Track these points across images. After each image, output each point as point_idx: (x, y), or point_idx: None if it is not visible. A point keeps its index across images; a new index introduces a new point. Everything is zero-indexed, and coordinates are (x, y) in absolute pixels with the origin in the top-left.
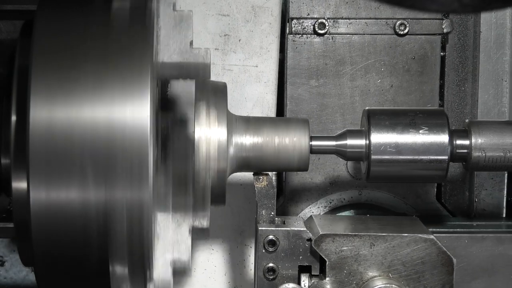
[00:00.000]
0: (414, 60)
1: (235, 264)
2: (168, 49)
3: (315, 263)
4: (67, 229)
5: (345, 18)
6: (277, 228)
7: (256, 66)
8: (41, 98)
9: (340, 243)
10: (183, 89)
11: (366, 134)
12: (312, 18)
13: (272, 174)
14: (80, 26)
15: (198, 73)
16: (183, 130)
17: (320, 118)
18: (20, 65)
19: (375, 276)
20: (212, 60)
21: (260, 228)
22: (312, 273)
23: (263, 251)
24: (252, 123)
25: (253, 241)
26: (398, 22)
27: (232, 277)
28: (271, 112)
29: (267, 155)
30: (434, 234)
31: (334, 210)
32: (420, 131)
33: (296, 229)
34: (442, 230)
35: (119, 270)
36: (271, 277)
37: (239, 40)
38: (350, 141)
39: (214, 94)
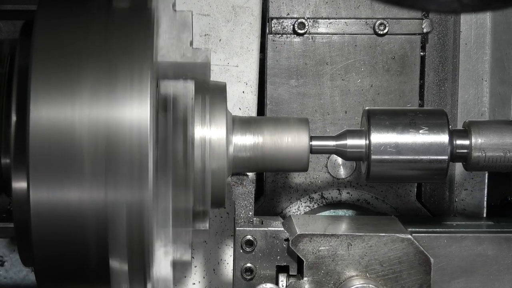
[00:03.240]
0: (394, 60)
1: (216, 264)
2: (168, 49)
3: (292, 263)
4: (67, 229)
5: (325, 18)
6: (254, 228)
7: (237, 66)
8: (41, 98)
9: (317, 243)
10: (182, 89)
11: (366, 134)
12: (291, 18)
13: (252, 174)
14: (80, 26)
15: (198, 73)
16: (183, 130)
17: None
18: (20, 65)
19: (352, 276)
20: None
21: (237, 229)
22: (290, 273)
23: (241, 251)
24: (252, 123)
25: None
26: (378, 22)
27: (213, 277)
28: (252, 112)
29: (266, 155)
30: (413, 234)
31: (314, 210)
32: (420, 131)
33: (273, 229)
34: (421, 230)
35: (119, 269)
36: (248, 277)
37: (220, 40)
38: (350, 141)
39: (214, 94)
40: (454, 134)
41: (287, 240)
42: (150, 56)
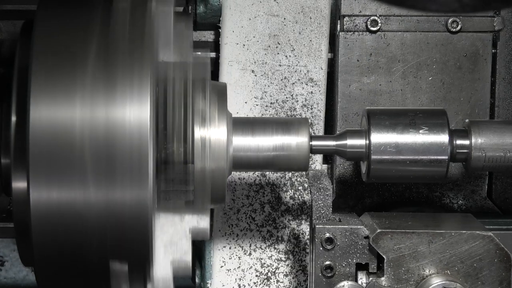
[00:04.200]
0: (465, 58)
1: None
2: (168, 49)
3: (372, 260)
4: (67, 229)
5: (397, 16)
6: (334, 226)
7: (305, 66)
8: (41, 98)
9: (398, 240)
10: (183, 88)
11: (366, 134)
12: (364, 16)
13: (326, 170)
14: (80, 26)
15: (198, 73)
16: (183, 130)
17: None
18: (20, 65)
19: (433, 274)
20: (261, 60)
21: (317, 226)
22: (370, 271)
23: (321, 249)
24: (252, 123)
25: (298, 238)
26: (450, 20)
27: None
28: (321, 112)
29: (266, 155)
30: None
31: (384, 207)
32: (420, 131)
33: (353, 226)
34: (496, 227)
35: (119, 270)
36: (329, 275)
37: (288, 40)
38: (350, 141)
39: (214, 94)
40: (454, 134)
41: (366, 237)
42: (150, 56)
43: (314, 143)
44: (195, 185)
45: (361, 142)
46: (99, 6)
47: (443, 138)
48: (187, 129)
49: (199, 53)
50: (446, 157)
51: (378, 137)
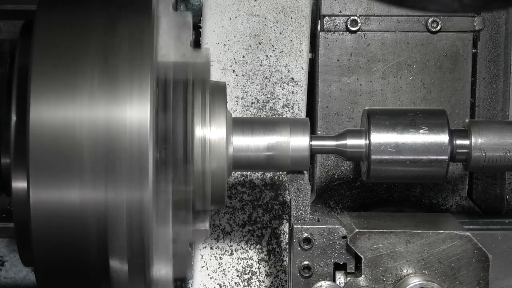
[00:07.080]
0: (446, 58)
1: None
2: (168, 49)
3: (350, 260)
4: (67, 229)
5: (377, 15)
6: (312, 226)
7: (286, 66)
8: (41, 98)
9: (376, 240)
10: (183, 88)
11: (366, 134)
12: (344, 15)
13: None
14: (80, 26)
15: (198, 73)
16: (183, 130)
17: (351, 115)
18: (20, 65)
19: (411, 273)
20: (242, 60)
21: (295, 226)
22: (348, 271)
23: (299, 248)
24: (251, 123)
25: (278, 238)
26: (431, 19)
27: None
28: (302, 112)
29: (266, 155)
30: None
31: (363, 207)
32: (420, 131)
33: (331, 226)
34: (476, 227)
35: (119, 270)
36: (306, 275)
37: (269, 40)
38: (350, 141)
39: (214, 94)
40: (454, 134)
41: (344, 237)
42: (150, 56)
43: (314, 143)
44: (195, 185)
45: (361, 142)
46: (99, 6)
47: (443, 138)
48: (187, 129)
49: (200, 50)
50: (446, 157)
51: (378, 137)
